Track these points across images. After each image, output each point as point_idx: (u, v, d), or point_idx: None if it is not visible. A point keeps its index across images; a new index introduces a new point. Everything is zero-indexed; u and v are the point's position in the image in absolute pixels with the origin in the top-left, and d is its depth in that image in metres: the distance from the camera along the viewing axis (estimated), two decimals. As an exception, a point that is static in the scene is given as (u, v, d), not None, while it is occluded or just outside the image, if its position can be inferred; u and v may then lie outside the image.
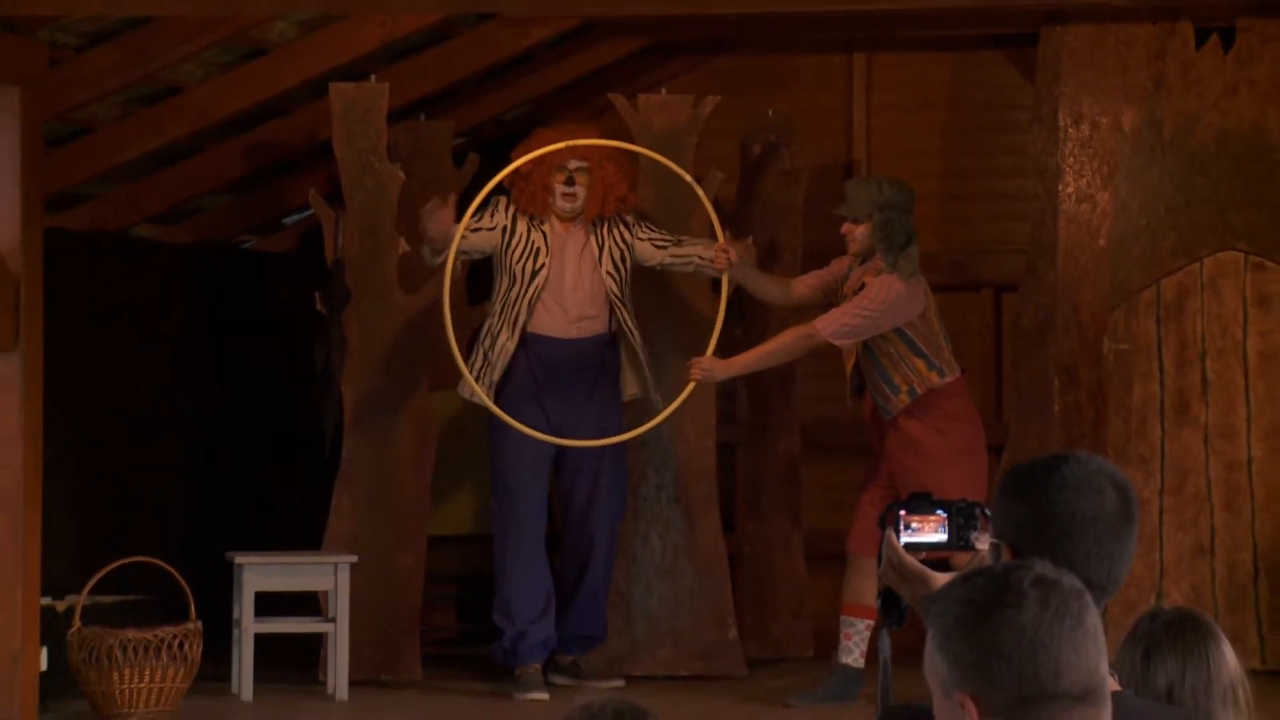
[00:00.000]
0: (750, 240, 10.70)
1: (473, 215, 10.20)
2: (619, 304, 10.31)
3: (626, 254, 10.34)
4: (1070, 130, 11.40)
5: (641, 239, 10.40)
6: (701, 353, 10.20)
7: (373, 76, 11.15)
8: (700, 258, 10.35)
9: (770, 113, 11.79)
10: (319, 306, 11.31)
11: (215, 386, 12.60)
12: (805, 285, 10.46)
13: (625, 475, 10.69)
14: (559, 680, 10.49)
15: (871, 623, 10.04)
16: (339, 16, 10.70)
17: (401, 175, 11.07)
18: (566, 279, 10.28)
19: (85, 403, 11.20)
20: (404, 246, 11.03)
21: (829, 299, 10.30)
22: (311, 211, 11.61)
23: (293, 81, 11.18)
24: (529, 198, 10.25)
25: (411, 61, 11.67)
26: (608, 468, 10.45)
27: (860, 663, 10.04)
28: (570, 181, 10.20)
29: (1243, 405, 11.26)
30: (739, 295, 10.77)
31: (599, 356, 10.36)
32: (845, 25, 12.15)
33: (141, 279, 12.12)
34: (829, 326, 9.94)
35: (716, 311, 10.32)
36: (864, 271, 10.07)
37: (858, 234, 10.09)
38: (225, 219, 12.85)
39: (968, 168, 12.38)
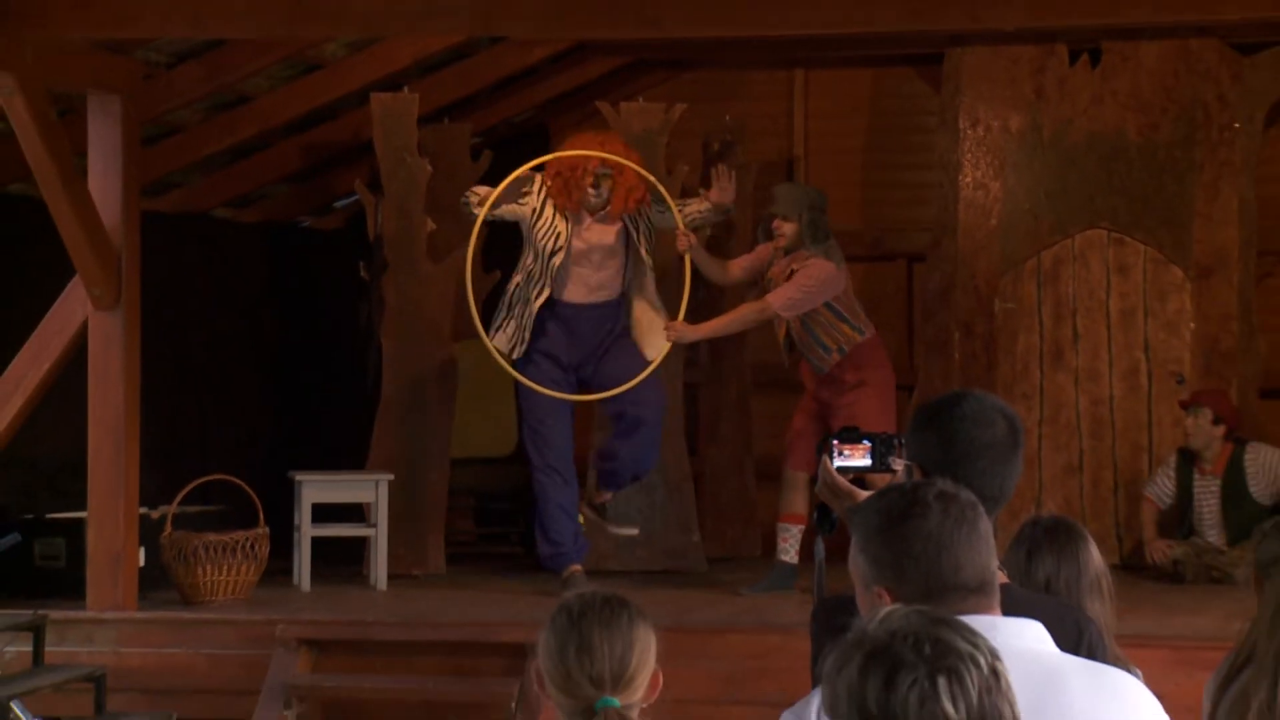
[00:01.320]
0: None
1: (508, 187, 9.93)
2: (649, 270, 10.11)
3: (651, 230, 10.14)
4: (969, 132, 11.39)
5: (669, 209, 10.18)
6: (673, 315, 10.13)
7: (405, 88, 11.12)
8: (696, 212, 10.12)
9: (726, 118, 11.76)
10: (363, 274, 11.29)
11: (279, 338, 12.59)
12: (738, 267, 10.37)
13: (660, 401, 10.37)
14: (588, 515, 10.25)
15: (803, 527, 10.04)
16: (379, 39, 10.66)
17: (429, 168, 11.05)
18: (591, 258, 10.07)
19: (175, 350, 11.18)
20: (431, 225, 11.00)
21: (755, 279, 10.26)
22: (356, 197, 11.59)
23: (341, 91, 11.16)
24: (561, 193, 9.98)
25: (437, 75, 11.63)
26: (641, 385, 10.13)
27: (795, 559, 10.03)
28: (597, 184, 9.99)
29: (1106, 353, 11.26)
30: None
31: (614, 316, 10.20)
32: (787, 47, 12.12)
33: (219, 252, 12.10)
34: (778, 301, 9.89)
35: (684, 284, 10.26)
36: (789, 261, 9.99)
37: (787, 230, 10.00)
38: (287, 203, 12.83)
39: (885, 162, 12.36)
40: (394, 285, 11.01)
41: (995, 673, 2.49)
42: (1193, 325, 11.17)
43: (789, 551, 10.05)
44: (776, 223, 10.03)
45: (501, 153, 11.95)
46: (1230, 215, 11.15)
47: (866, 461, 4.02)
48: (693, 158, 11.44)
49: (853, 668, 2.50)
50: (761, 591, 9.92)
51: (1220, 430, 10.39)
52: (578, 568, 10.01)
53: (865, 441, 4.01)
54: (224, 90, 10.63)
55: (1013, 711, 2.50)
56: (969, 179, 11.37)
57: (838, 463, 4.00)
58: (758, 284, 10.26)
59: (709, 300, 10.93)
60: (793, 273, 9.93)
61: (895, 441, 3.99)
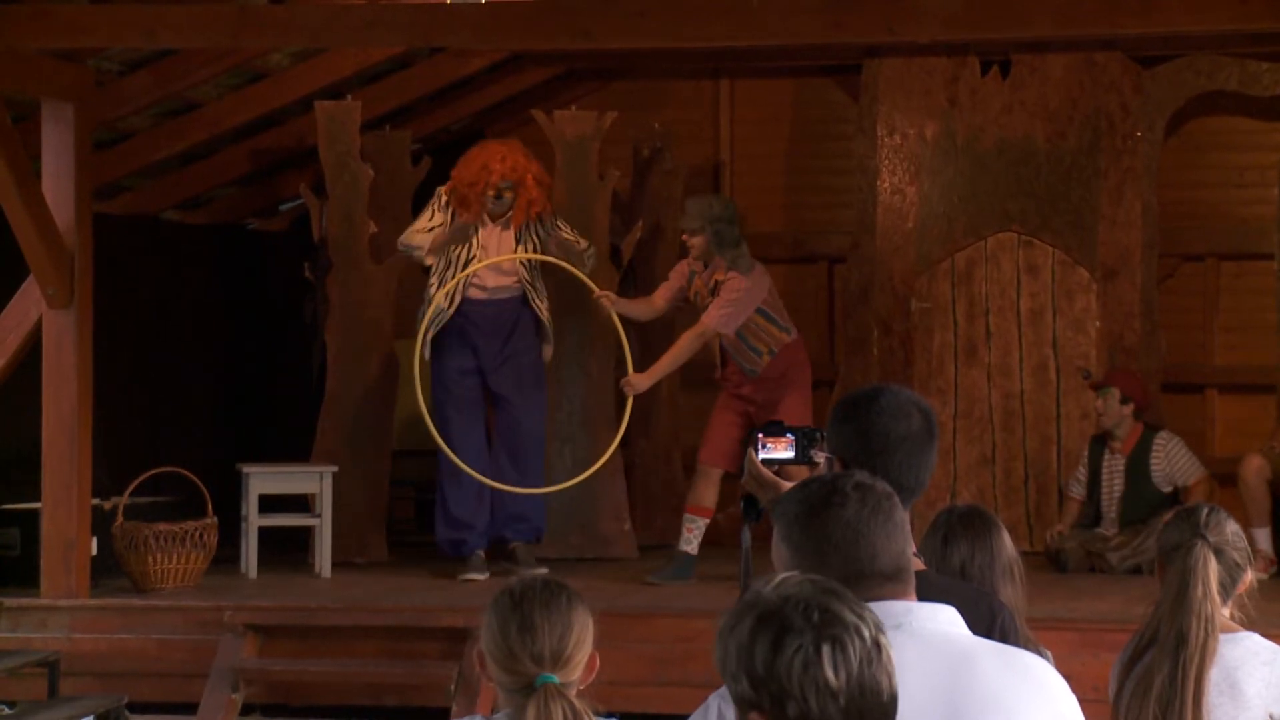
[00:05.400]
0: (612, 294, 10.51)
1: (424, 216, 10.07)
2: (528, 283, 10.17)
3: (539, 245, 10.18)
4: (886, 139, 11.42)
5: (559, 235, 10.21)
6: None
7: (348, 96, 11.09)
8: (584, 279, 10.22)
9: (656, 125, 11.75)
10: (307, 274, 11.26)
11: (227, 335, 12.53)
12: (662, 299, 10.31)
13: (545, 402, 10.54)
14: (497, 565, 10.34)
15: (707, 520, 10.03)
16: (322, 49, 10.63)
17: (370, 173, 11.02)
18: (489, 257, 10.13)
19: (126, 347, 11.11)
20: (373, 227, 10.97)
21: (683, 297, 10.22)
22: (301, 200, 11.54)
23: (287, 99, 11.12)
24: (465, 206, 10.06)
25: (379, 84, 11.60)
26: (531, 398, 10.31)
27: (695, 550, 9.99)
28: (499, 196, 10.03)
29: (1016, 350, 11.31)
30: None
31: (514, 312, 10.22)
32: (713, 57, 12.13)
33: (168, 253, 12.04)
34: (711, 321, 9.87)
35: (619, 336, 10.23)
36: (710, 272, 9.99)
37: (695, 243, 10.00)
38: (234, 206, 12.76)
39: (807, 167, 12.37)
40: (338, 285, 10.97)
41: (878, 645, 2.52)
42: (1098, 323, 11.23)
43: (691, 542, 10.02)
44: (685, 237, 10.05)
45: (440, 159, 11.94)
46: (1134, 219, 11.21)
47: (790, 454, 4.02)
48: (623, 163, 11.45)
49: (744, 628, 2.53)
50: (664, 580, 9.88)
51: (1128, 409, 10.38)
52: (481, 553, 10.15)
53: (789, 435, 4.02)
54: (173, 97, 10.59)
55: (890, 683, 2.53)
56: (886, 184, 11.40)
57: (762, 455, 4.01)
58: (687, 301, 10.23)
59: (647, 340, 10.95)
60: (717, 284, 9.91)
61: (817, 435, 3.99)
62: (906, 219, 11.38)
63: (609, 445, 11.04)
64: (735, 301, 9.81)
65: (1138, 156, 11.23)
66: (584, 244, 10.22)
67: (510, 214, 10.01)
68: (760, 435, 4.02)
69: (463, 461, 10.01)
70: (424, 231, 10.03)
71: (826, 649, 2.48)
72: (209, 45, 9.66)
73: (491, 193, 9.95)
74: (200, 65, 10.16)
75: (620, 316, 10.23)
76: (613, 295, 10.18)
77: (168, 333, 11.90)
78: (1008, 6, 8.81)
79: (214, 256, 12.54)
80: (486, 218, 10.04)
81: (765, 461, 4.00)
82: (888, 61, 11.40)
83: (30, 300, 9.20)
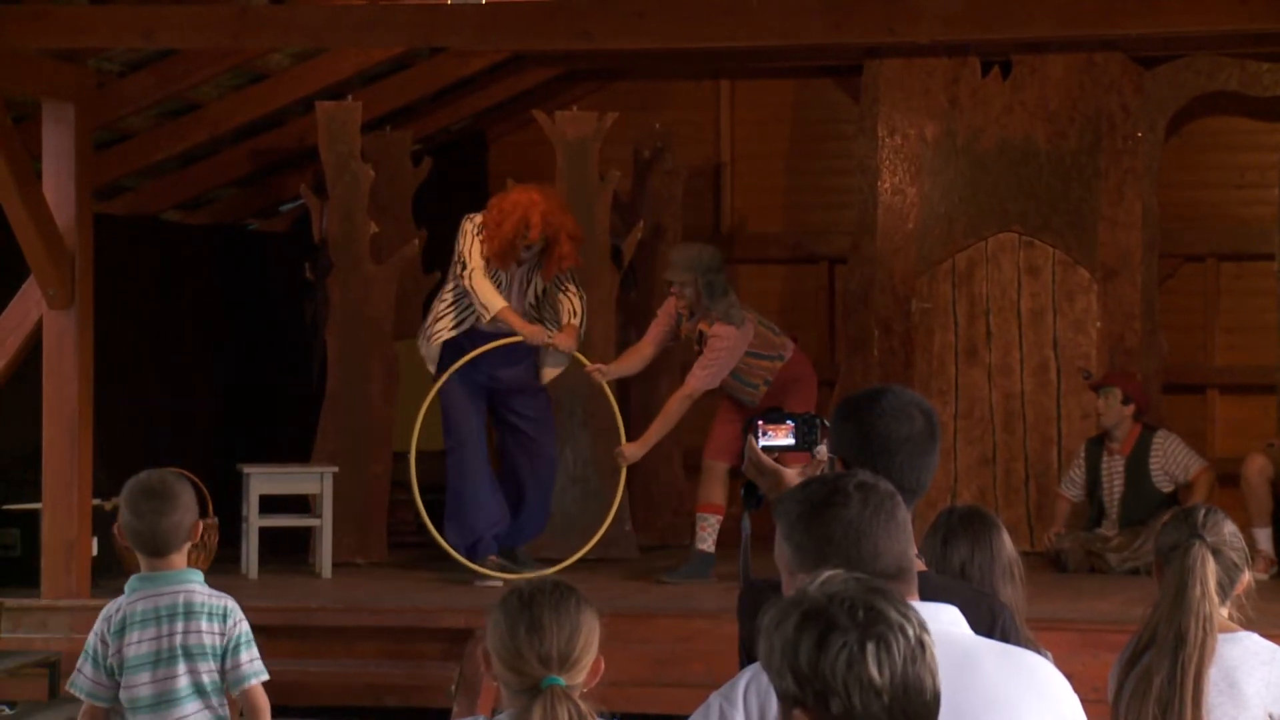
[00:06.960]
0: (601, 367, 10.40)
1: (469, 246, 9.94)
2: (535, 318, 10.06)
3: (538, 287, 10.08)
4: (886, 139, 11.43)
5: (560, 290, 10.07)
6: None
7: (349, 96, 11.09)
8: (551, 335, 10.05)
9: (656, 125, 11.77)
10: (308, 274, 11.25)
11: (227, 335, 12.53)
12: (651, 345, 10.19)
13: (552, 420, 10.49)
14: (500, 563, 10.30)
15: (721, 517, 10.04)
16: (323, 50, 10.64)
17: (371, 173, 11.02)
18: (510, 296, 9.99)
19: (127, 348, 11.11)
20: (374, 228, 10.97)
21: (673, 338, 10.19)
22: (302, 201, 11.54)
23: (287, 100, 11.13)
24: (495, 250, 9.84)
25: (379, 85, 11.61)
26: (542, 416, 10.27)
27: (713, 549, 10.01)
28: (530, 246, 9.84)
29: (1017, 350, 11.32)
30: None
31: (526, 345, 10.05)
32: (714, 58, 12.14)
33: (169, 253, 12.04)
34: (698, 383, 9.85)
35: (611, 406, 10.22)
36: (695, 322, 9.95)
37: (685, 293, 9.95)
38: (234, 206, 12.77)
39: (807, 168, 12.39)
40: (338, 285, 10.97)
41: (921, 644, 2.54)
42: (1099, 324, 11.24)
43: (707, 540, 10.04)
44: (674, 288, 9.96)
45: (440, 159, 11.96)
46: (1134, 219, 11.22)
47: (790, 441, 4.02)
48: (624, 164, 11.45)
49: (789, 625, 2.55)
50: (680, 579, 9.90)
51: (1129, 410, 10.36)
52: (494, 558, 10.06)
53: (789, 422, 4.02)
54: (174, 98, 10.60)
55: (934, 681, 2.54)
56: (887, 184, 11.42)
57: (763, 442, 4.01)
58: (678, 339, 10.21)
59: (639, 314, 10.95)
60: (702, 334, 9.88)
61: (818, 421, 4.00)
62: (907, 219, 11.39)
63: (608, 446, 11.07)
64: (717, 361, 9.78)
65: (1138, 157, 11.24)
66: (577, 308, 10.02)
67: (539, 259, 9.84)
68: (760, 422, 4.02)
69: (477, 468, 10.03)
70: (489, 279, 9.80)
71: (871, 647, 2.50)
72: (209, 45, 9.66)
73: (525, 244, 9.75)
74: (200, 65, 10.17)
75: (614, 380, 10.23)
76: (604, 367, 10.10)
77: (168, 333, 11.91)
78: (1008, 7, 8.83)
79: (214, 257, 12.54)
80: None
81: (765, 448, 4.01)
82: (888, 62, 11.42)
83: (31, 301, 9.20)
